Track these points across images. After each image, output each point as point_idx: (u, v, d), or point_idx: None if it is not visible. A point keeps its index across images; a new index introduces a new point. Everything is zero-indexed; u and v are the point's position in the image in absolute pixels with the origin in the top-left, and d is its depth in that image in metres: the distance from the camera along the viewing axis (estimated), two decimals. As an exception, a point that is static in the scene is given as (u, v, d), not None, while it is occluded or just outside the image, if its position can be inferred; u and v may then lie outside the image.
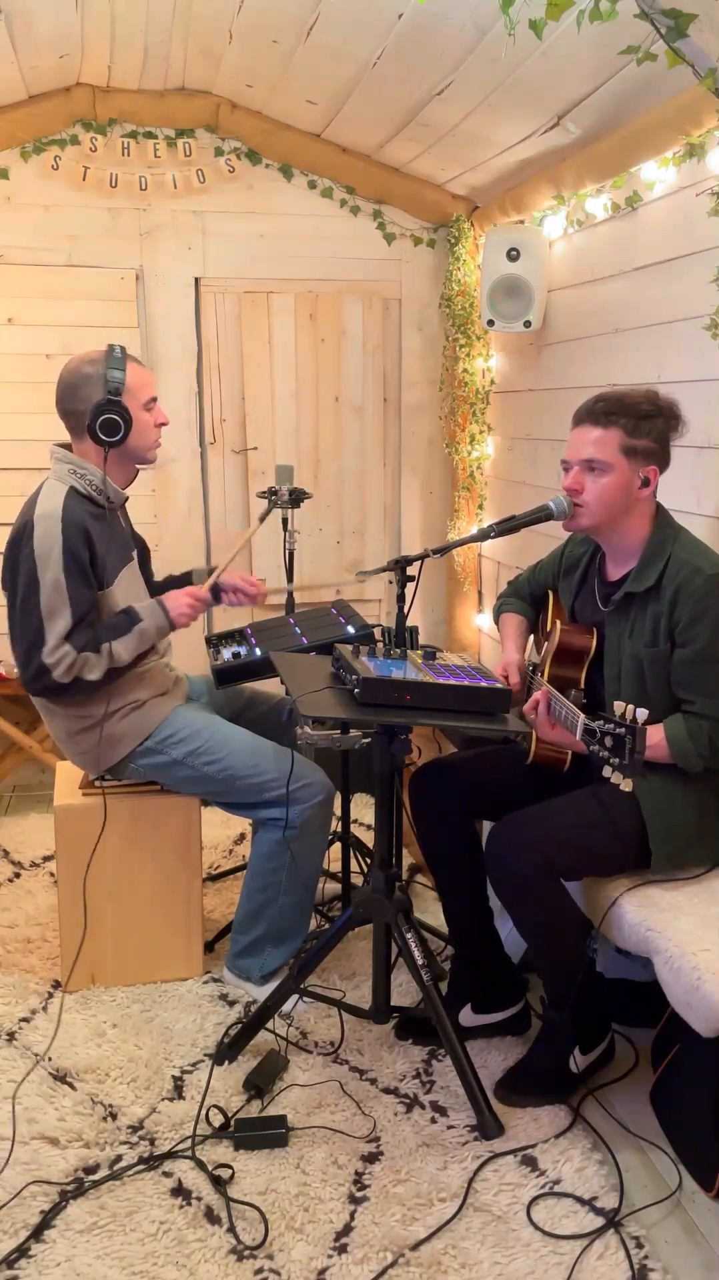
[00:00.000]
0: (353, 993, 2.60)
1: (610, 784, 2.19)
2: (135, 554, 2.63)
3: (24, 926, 2.95)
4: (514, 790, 2.34)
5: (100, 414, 2.36)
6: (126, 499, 2.56)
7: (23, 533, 2.34)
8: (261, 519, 2.93)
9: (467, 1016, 2.44)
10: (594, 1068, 2.28)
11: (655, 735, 2.08)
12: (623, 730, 1.78)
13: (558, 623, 2.32)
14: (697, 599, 2.06)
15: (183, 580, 2.77)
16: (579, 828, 2.12)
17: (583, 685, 2.25)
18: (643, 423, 2.11)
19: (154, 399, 2.50)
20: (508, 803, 2.31)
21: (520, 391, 3.87)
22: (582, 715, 1.91)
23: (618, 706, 1.82)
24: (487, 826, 2.58)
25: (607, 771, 1.84)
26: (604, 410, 2.12)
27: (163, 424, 2.53)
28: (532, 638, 2.57)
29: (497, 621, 2.64)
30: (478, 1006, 2.45)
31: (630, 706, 1.80)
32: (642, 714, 1.77)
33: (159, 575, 2.83)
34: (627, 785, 1.80)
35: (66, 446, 2.49)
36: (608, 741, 1.82)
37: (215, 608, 2.86)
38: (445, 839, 2.39)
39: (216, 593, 2.72)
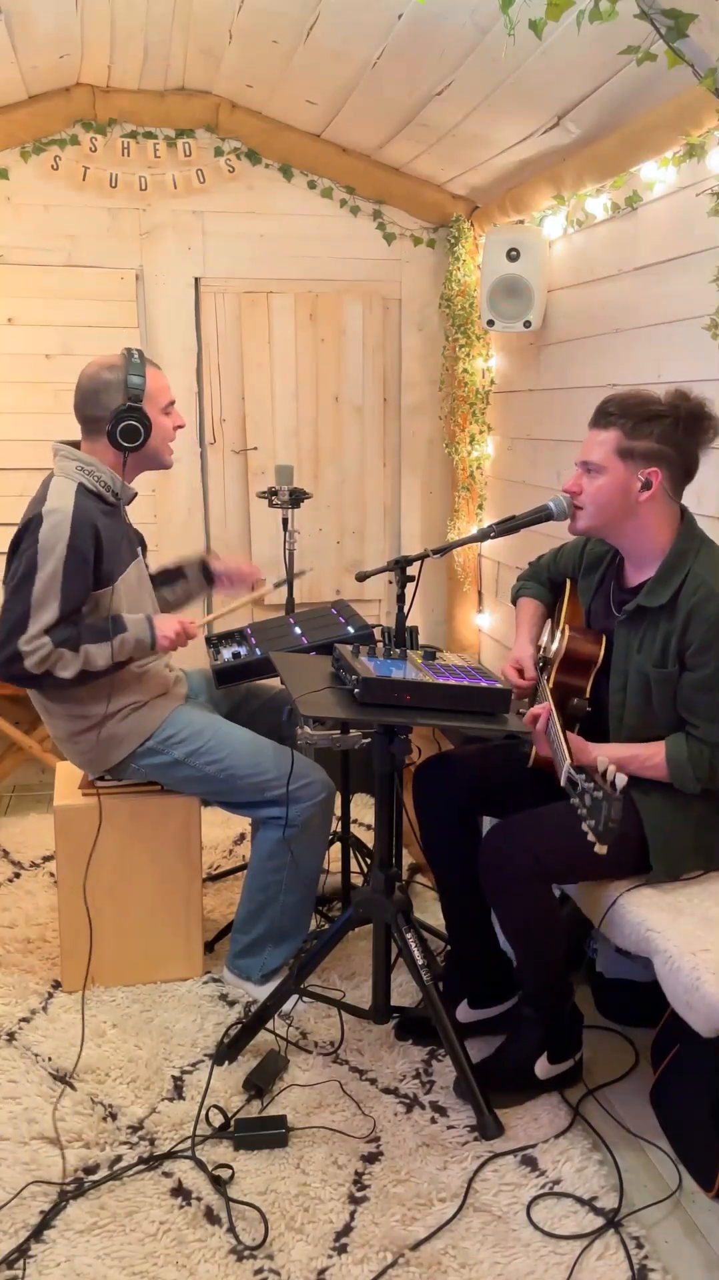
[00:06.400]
0: (353, 993, 2.60)
1: None
2: (141, 550, 2.64)
3: (24, 926, 2.94)
4: (517, 786, 2.34)
5: (121, 420, 2.38)
6: (135, 495, 2.56)
7: (28, 525, 2.34)
8: (277, 586, 3.01)
9: (463, 1012, 2.45)
10: (559, 1082, 2.26)
11: (656, 755, 2.08)
12: (601, 795, 1.73)
13: (567, 628, 2.28)
14: (709, 624, 2.02)
15: (175, 574, 2.79)
16: (572, 832, 2.09)
17: (588, 694, 2.22)
18: (644, 424, 2.05)
19: (172, 402, 2.52)
20: (511, 799, 2.31)
21: (520, 391, 3.87)
22: (568, 760, 1.88)
23: (602, 764, 1.78)
24: (488, 822, 2.58)
25: (583, 826, 1.78)
26: (607, 412, 2.10)
27: (179, 426, 2.54)
28: (547, 624, 2.54)
29: (514, 602, 2.60)
30: (474, 1002, 2.45)
31: (613, 768, 1.75)
32: (620, 780, 1.72)
33: (153, 570, 2.82)
34: (601, 848, 1.73)
35: (72, 444, 2.49)
36: (587, 800, 1.77)
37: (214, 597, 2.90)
38: (447, 833, 2.39)
39: (211, 578, 2.77)
